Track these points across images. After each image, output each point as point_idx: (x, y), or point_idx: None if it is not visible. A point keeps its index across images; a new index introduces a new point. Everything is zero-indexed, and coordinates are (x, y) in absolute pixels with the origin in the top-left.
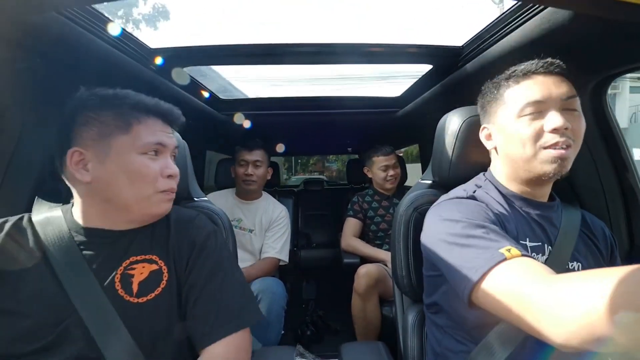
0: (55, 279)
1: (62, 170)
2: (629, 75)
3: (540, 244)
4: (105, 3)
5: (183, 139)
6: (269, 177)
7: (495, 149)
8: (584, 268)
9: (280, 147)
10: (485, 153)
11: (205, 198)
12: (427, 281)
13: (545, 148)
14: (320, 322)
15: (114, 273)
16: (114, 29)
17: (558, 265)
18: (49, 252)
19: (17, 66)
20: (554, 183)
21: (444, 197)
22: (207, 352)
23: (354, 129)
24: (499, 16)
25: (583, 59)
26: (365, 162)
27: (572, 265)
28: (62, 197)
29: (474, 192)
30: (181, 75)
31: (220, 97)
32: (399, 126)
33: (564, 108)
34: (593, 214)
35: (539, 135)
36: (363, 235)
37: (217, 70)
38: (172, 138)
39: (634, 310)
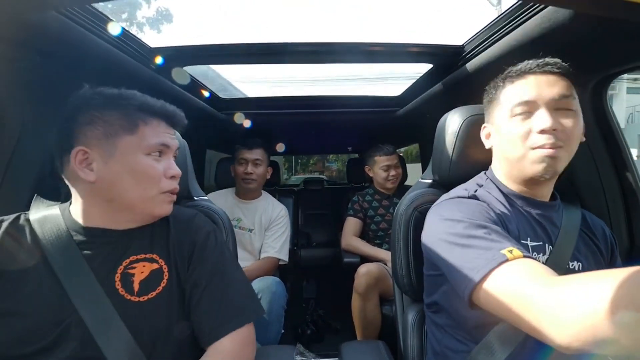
0: (55, 278)
1: (62, 170)
2: (625, 76)
3: (541, 243)
4: (105, 3)
5: (183, 138)
6: (268, 177)
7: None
8: (584, 268)
9: (280, 147)
10: (485, 152)
11: (205, 197)
12: (428, 280)
13: (533, 149)
14: (320, 321)
15: (114, 272)
16: (114, 28)
17: (559, 264)
18: (47, 250)
19: (17, 65)
20: (555, 182)
21: (445, 196)
22: (213, 348)
23: (354, 129)
24: (499, 15)
25: (583, 58)
26: (366, 161)
27: (572, 265)
28: (62, 196)
29: (476, 191)
30: (181, 74)
31: (221, 96)
32: (399, 125)
33: (557, 108)
34: (593, 214)
35: (528, 135)
36: (363, 235)
37: (217, 69)
38: (175, 139)
39: (634, 312)
